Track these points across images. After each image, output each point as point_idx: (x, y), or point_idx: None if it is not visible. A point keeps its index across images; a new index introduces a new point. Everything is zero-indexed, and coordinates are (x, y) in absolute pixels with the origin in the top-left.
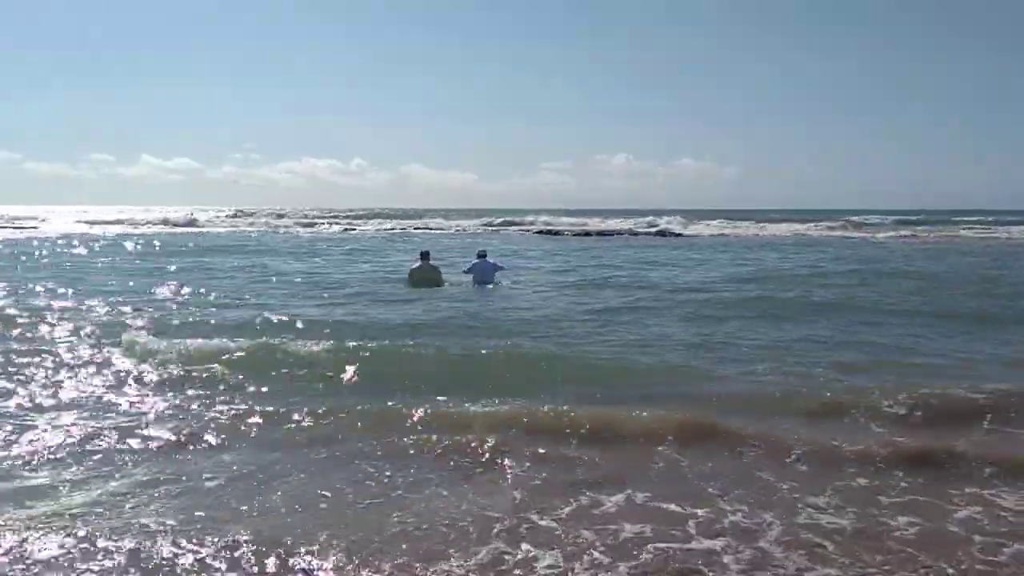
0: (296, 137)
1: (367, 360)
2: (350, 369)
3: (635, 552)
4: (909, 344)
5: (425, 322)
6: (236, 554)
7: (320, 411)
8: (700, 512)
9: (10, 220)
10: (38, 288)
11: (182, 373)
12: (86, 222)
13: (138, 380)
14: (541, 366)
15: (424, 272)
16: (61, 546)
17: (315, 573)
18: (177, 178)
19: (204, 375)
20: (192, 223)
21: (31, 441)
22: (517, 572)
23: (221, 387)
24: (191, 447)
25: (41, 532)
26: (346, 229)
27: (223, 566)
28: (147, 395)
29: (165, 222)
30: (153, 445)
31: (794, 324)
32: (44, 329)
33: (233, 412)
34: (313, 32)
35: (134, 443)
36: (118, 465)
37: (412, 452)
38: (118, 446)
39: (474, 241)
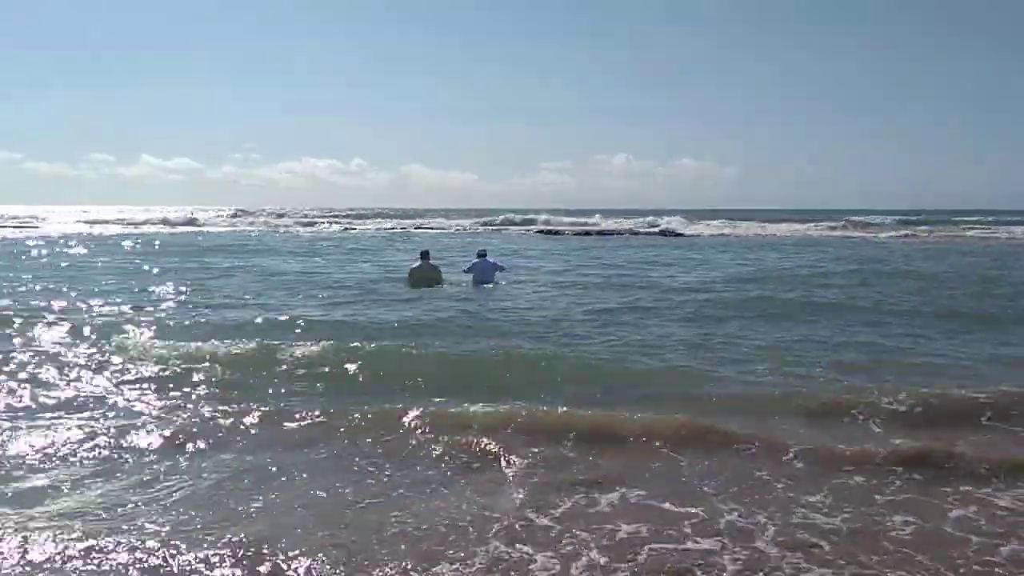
0: (296, 137)
1: (366, 361)
2: (350, 370)
3: (632, 552)
4: (909, 344)
5: (425, 322)
6: (234, 555)
7: (319, 412)
8: (697, 512)
9: (10, 220)
10: (35, 288)
11: (179, 374)
12: (86, 222)
13: (135, 381)
14: (540, 367)
15: (424, 272)
16: (59, 548)
17: (314, 574)
18: (177, 178)
19: (202, 376)
20: (191, 223)
21: (26, 442)
22: (515, 573)
23: (219, 388)
24: (189, 448)
25: (39, 533)
26: (346, 229)
27: (221, 567)
28: (144, 396)
29: (164, 222)
30: (150, 446)
31: (794, 324)
32: (39, 329)
33: (231, 413)
34: (313, 32)
35: (132, 444)
36: (116, 466)
37: (412, 452)
38: (115, 447)
39: (474, 241)
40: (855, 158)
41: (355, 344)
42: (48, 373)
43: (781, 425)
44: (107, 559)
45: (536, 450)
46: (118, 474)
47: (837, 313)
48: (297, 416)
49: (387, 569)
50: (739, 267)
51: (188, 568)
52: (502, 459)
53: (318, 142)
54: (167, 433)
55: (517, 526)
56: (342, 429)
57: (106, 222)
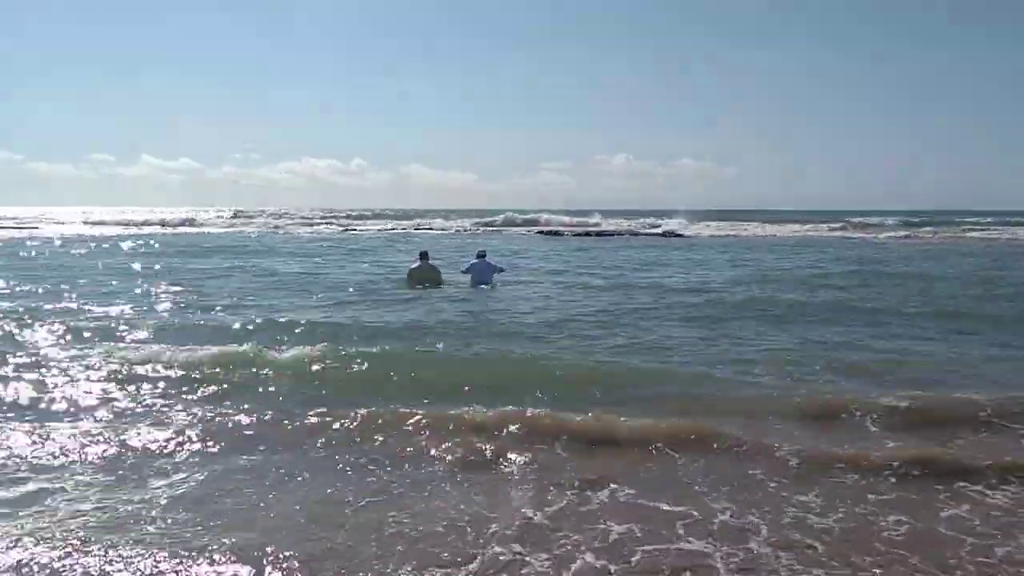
0: (296, 137)
1: (365, 363)
2: (348, 372)
3: (627, 553)
4: (908, 346)
5: (424, 324)
6: (230, 557)
7: (317, 414)
8: (691, 513)
9: (10, 220)
10: (33, 289)
11: (177, 376)
12: (85, 223)
13: (133, 384)
14: (539, 368)
15: (423, 272)
16: (51, 555)
17: (313, 574)
18: (177, 178)
19: (200, 378)
20: (190, 223)
21: (19, 446)
22: (508, 575)
23: (217, 390)
24: (187, 449)
25: (31, 540)
26: (346, 229)
27: (216, 568)
28: (141, 398)
29: (164, 223)
30: (148, 448)
31: (793, 325)
32: (35, 331)
33: (228, 415)
34: (313, 32)
35: (130, 447)
36: (112, 469)
37: (410, 454)
38: (112, 450)
39: (474, 241)
40: (856, 158)
41: (354, 346)
42: (44, 376)
43: (777, 426)
44: (104, 561)
45: (534, 452)
46: (115, 477)
47: (836, 314)
48: (296, 418)
49: (386, 570)
50: (739, 268)
51: (187, 569)
52: (500, 461)
53: (318, 142)
54: (165, 435)
55: (514, 528)
56: (340, 431)
57: (105, 223)
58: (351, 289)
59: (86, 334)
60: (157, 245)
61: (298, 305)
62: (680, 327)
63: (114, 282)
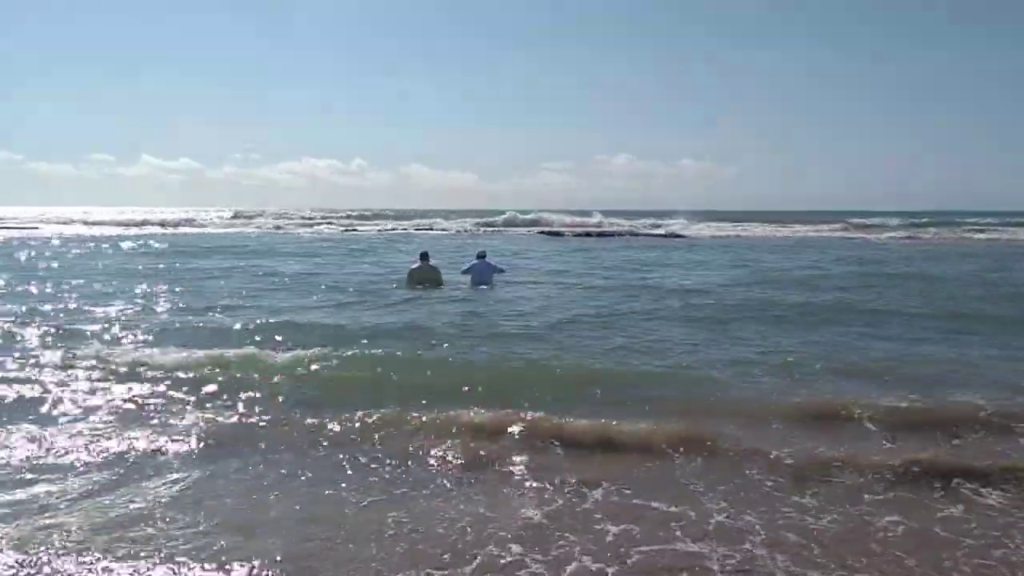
0: (296, 137)
1: (365, 365)
2: (347, 374)
3: (624, 554)
4: (909, 347)
5: (424, 325)
6: (227, 559)
7: (317, 417)
8: (690, 514)
9: (11, 221)
10: (31, 290)
11: (175, 378)
12: (85, 223)
13: (130, 386)
14: (539, 370)
15: (423, 272)
16: (50, 557)
17: (312, 574)
18: (178, 178)
19: (198, 381)
20: (190, 223)
21: (12, 450)
22: (509, 575)
23: (215, 393)
24: (185, 452)
25: (30, 543)
26: (346, 230)
27: (215, 569)
28: (139, 402)
29: (163, 223)
30: (146, 452)
31: (794, 326)
32: (31, 333)
33: (226, 418)
34: (313, 32)
35: (128, 449)
36: (109, 472)
37: (410, 456)
38: (110, 453)
39: (475, 242)
40: (857, 159)
41: (354, 347)
42: (43, 377)
43: (777, 428)
44: (103, 562)
45: (533, 454)
46: (113, 478)
47: (837, 315)
48: (295, 420)
49: (385, 570)
50: (739, 268)
51: (186, 570)
52: (500, 463)
53: (318, 142)
54: (164, 437)
55: (513, 529)
56: (340, 432)
57: (106, 223)
58: (351, 290)
59: (85, 335)
60: (157, 245)
61: (298, 306)
62: (680, 328)
63: (113, 283)
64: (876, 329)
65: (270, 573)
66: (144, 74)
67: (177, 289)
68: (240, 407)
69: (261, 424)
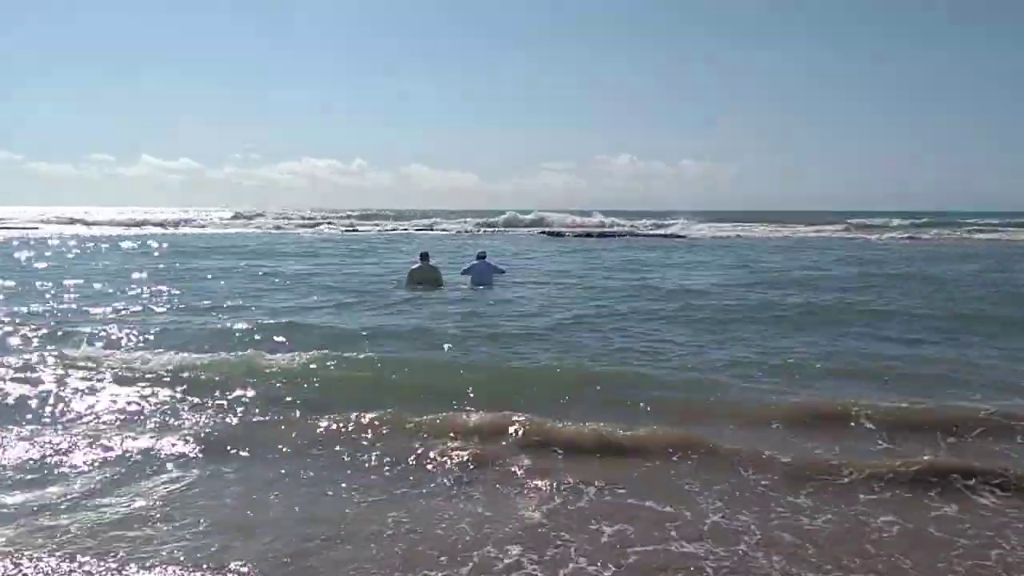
0: (296, 137)
1: (364, 366)
2: (347, 375)
3: (619, 555)
4: (909, 348)
5: (423, 326)
6: (230, 560)
7: (316, 417)
8: (686, 515)
9: (10, 221)
10: (30, 291)
11: (172, 382)
12: (85, 223)
13: (128, 389)
14: (538, 372)
15: (423, 273)
16: (50, 559)
17: (310, 573)
18: (178, 178)
19: (196, 384)
20: (190, 223)
21: (11, 453)
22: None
23: (213, 396)
24: (183, 455)
25: (30, 545)
26: (346, 230)
27: (215, 570)
28: (137, 405)
29: (163, 224)
30: (146, 452)
31: (794, 327)
32: (30, 334)
33: (224, 421)
34: (313, 32)
35: (126, 452)
36: (107, 475)
37: (409, 458)
38: (108, 456)
39: (475, 242)
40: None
41: (353, 349)
42: (42, 380)
43: (775, 430)
44: (103, 564)
45: (531, 457)
46: (112, 480)
47: (837, 316)
48: (295, 421)
49: (383, 571)
50: (740, 269)
51: (185, 571)
52: (498, 465)
53: (318, 142)
54: (163, 439)
55: (511, 531)
56: (340, 434)
57: (106, 223)
58: (351, 290)
59: (84, 336)
60: (156, 245)
61: (298, 306)
62: (680, 328)
63: (113, 283)
64: (876, 330)
65: (270, 574)
66: (144, 74)
67: (176, 289)
68: (240, 408)
69: (261, 425)
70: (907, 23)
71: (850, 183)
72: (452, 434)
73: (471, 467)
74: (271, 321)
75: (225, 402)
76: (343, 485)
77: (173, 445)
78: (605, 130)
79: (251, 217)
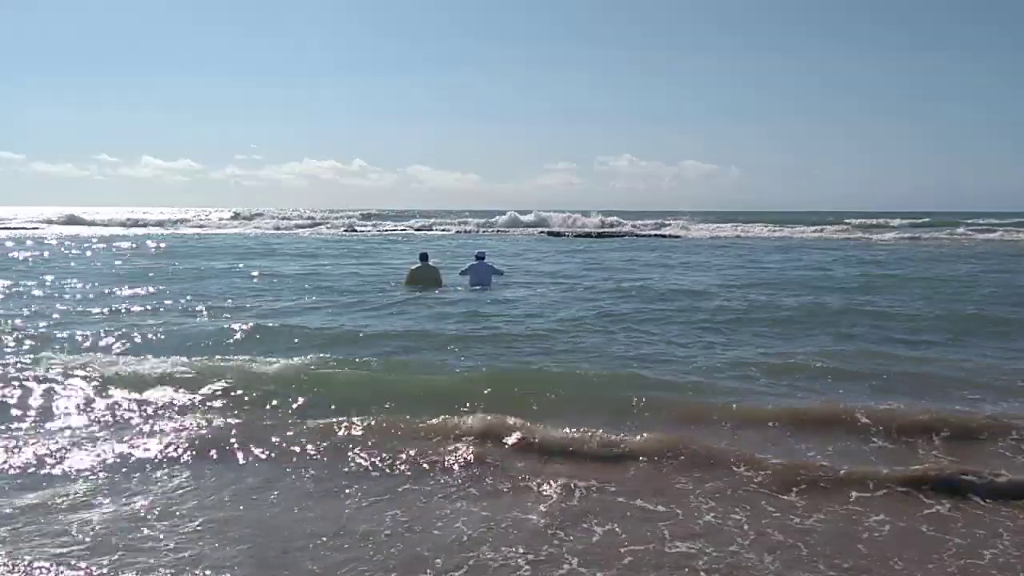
0: (297, 138)
1: (362, 368)
2: (346, 377)
3: (614, 555)
4: (909, 350)
5: (422, 328)
6: (229, 562)
7: (315, 420)
8: (677, 513)
9: (11, 222)
10: (29, 291)
11: (171, 384)
12: (86, 223)
13: (126, 392)
14: (537, 374)
15: (423, 273)
16: (48, 562)
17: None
18: (180, 179)
19: (195, 387)
20: (191, 224)
21: (10, 457)
22: None
23: (211, 399)
24: (183, 456)
25: (28, 547)
26: (347, 230)
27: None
28: (135, 408)
29: (164, 224)
30: (143, 456)
31: (795, 329)
32: (29, 335)
33: (225, 421)
34: (315, 33)
35: (124, 455)
36: (105, 479)
37: (407, 460)
38: (106, 460)
39: (476, 242)
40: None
41: (353, 351)
42: (41, 383)
43: (773, 431)
44: (102, 566)
45: (529, 459)
46: (109, 486)
47: (837, 317)
48: (293, 424)
49: (381, 572)
50: (740, 270)
51: (185, 573)
52: (497, 468)
53: (319, 143)
54: (160, 443)
55: (509, 532)
56: (339, 437)
57: (107, 224)
58: (351, 291)
59: (83, 336)
60: (157, 246)
61: (298, 308)
62: (680, 329)
63: (112, 283)
64: (877, 331)
65: (269, 575)
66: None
67: (176, 290)
68: (239, 409)
69: (259, 426)
70: (908, 23)
71: (850, 183)
72: (450, 435)
73: (469, 468)
74: (270, 321)
75: (223, 402)
76: (341, 484)
77: (169, 446)
78: (607, 131)
79: (250, 217)
